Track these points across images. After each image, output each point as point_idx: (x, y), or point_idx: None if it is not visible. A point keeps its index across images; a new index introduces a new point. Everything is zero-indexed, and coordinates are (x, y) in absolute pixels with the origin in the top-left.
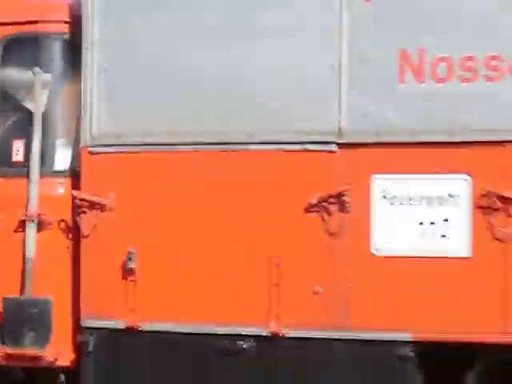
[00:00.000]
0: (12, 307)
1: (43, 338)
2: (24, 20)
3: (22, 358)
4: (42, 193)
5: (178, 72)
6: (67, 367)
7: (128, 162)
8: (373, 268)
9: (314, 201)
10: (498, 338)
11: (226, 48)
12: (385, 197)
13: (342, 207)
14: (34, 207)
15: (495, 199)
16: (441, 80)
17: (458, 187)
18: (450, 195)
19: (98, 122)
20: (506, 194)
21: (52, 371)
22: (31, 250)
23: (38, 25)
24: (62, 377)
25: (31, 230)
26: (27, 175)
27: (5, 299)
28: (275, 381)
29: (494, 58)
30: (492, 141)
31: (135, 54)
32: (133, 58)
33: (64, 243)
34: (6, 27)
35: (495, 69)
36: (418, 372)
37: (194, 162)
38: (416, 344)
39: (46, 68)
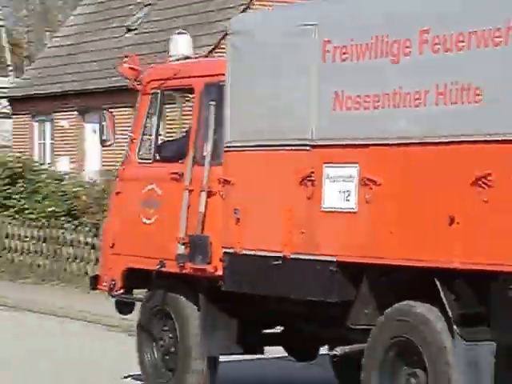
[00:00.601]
0: (191, 240)
1: (206, 258)
2: (213, 73)
3: (197, 269)
4: (213, 174)
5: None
6: (222, 276)
7: (243, 156)
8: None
9: None
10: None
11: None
12: (328, 177)
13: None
14: (205, 182)
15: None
16: None
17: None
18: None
19: (229, 131)
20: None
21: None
22: (202, 207)
23: (216, 77)
24: (220, 282)
25: (203, 196)
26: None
27: (189, 235)
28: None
29: None
30: None
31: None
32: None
33: (220, 203)
34: (205, 78)
35: None
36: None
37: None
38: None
39: (218, 100)
